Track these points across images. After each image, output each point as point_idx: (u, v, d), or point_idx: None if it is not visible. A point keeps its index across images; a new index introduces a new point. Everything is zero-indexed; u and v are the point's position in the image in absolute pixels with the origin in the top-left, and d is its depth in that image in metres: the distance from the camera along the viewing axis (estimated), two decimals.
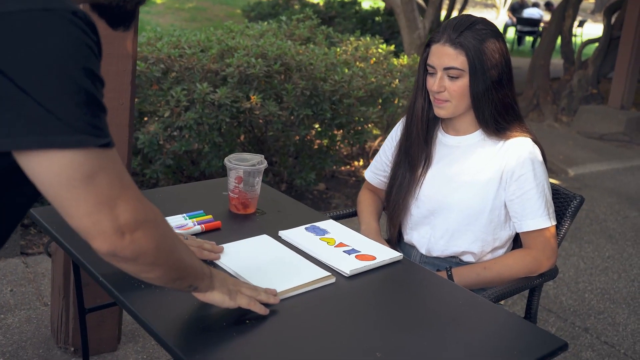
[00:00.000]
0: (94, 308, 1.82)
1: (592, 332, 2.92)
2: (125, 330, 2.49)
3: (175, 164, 3.77)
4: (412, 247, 1.95)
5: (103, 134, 0.88)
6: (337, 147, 4.23)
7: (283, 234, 1.66)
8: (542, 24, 13.08)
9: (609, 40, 7.56)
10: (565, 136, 6.73)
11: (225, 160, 1.78)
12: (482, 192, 1.79)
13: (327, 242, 1.63)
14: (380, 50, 4.58)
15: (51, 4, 0.84)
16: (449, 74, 1.73)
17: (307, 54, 3.96)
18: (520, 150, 1.76)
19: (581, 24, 13.61)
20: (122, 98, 2.00)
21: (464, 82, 1.73)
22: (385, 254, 1.59)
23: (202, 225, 1.65)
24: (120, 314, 2.35)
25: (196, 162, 3.92)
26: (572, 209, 1.94)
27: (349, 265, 1.50)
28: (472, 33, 1.72)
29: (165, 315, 1.28)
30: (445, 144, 1.88)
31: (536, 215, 1.75)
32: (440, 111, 1.79)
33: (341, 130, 4.14)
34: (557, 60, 8.79)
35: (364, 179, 2.15)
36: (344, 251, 1.58)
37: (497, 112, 1.77)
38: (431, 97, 1.81)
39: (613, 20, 7.72)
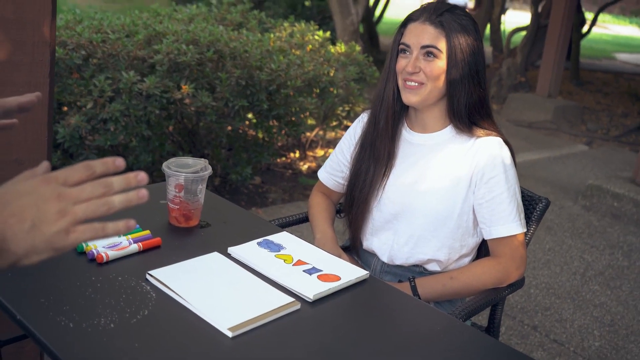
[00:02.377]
0: (10, 340, 1.56)
1: (541, 330, 2.86)
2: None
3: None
4: (372, 254, 1.79)
5: None
6: (275, 139, 4.03)
7: (233, 250, 1.46)
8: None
9: (537, 28, 7.67)
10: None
11: (164, 166, 1.56)
12: (450, 195, 1.65)
13: (284, 260, 1.44)
14: (316, 38, 4.39)
15: None
16: (426, 52, 1.59)
17: (240, 40, 3.73)
18: (491, 151, 1.63)
19: (504, 12, 13.87)
20: (38, 92, 1.73)
21: (440, 64, 1.59)
22: (350, 272, 1.41)
23: (139, 243, 1.42)
24: None
25: (123, 157, 3.63)
26: (538, 212, 1.84)
27: (311, 289, 1.31)
28: (453, 16, 1.59)
29: (81, 350, 1.07)
30: (410, 141, 1.72)
31: (507, 221, 1.63)
32: (411, 97, 1.62)
33: (277, 122, 3.94)
34: (484, 48, 8.88)
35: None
36: (304, 270, 1.40)
37: (471, 104, 1.63)
38: (400, 82, 1.64)
39: (540, 8, 7.83)
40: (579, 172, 5.40)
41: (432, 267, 1.72)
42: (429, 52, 1.58)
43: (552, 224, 4.14)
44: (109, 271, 1.33)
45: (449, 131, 1.68)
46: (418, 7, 1.69)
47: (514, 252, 1.66)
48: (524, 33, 8.08)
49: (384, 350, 1.18)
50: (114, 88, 3.21)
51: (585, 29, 9.27)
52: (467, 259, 1.74)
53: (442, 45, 1.58)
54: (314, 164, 4.55)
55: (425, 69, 1.59)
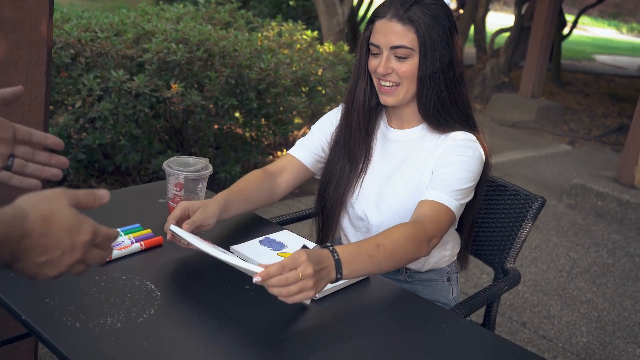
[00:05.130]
0: (8, 340, 1.55)
1: (530, 327, 2.90)
2: (42, 353, 2.20)
3: (87, 158, 3.45)
4: None
5: None
6: (264, 138, 4.03)
7: (235, 249, 1.46)
8: None
9: (520, 30, 7.74)
10: (480, 124, 6.81)
11: (164, 164, 1.56)
12: (418, 188, 1.59)
13: None
14: (305, 37, 4.40)
15: None
16: (396, 54, 1.52)
17: (230, 39, 3.72)
18: (457, 139, 1.56)
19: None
20: (35, 92, 1.72)
21: (413, 62, 1.52)
22: None
23: (141, 242, 1.42)
24: (36, 340, 2.06)
25: (110, 155, 3.61)
26: (534, 210, 1.85)
27: None
28: (422, 7, 1.51)
29: (90, 350, 1.07)
30: (386, 137, 1.68)
31: (441, 191, 1.51)
32: (387, 98, 1.58)
33: (266, 120, 3.94)
34: (468, 49, 8.94)
35: None
36: None
37: (440, 102, 1.55)
38: (375, 82, 1.59)
39: (523, 10, 7.91)
40: (563, 171, 5.47)
41: (411, 264, 1.70)
42: (399, 52, 1.52)
43: (538, 222, 4.18)
44: (112, 270, 1.33)
45: (421, 128, 1.64)
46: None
47: (437, 220, 1.46)
48: (507, 34, 8.16)
49: (389, 345, 1.20)
50: (102, 87, 3.19)
51: (566, 30, 9.38)
52: (446, 251, 1.73)
53: (413, 42, 1.50)
54: None
55: (398, 70, 1.53)
